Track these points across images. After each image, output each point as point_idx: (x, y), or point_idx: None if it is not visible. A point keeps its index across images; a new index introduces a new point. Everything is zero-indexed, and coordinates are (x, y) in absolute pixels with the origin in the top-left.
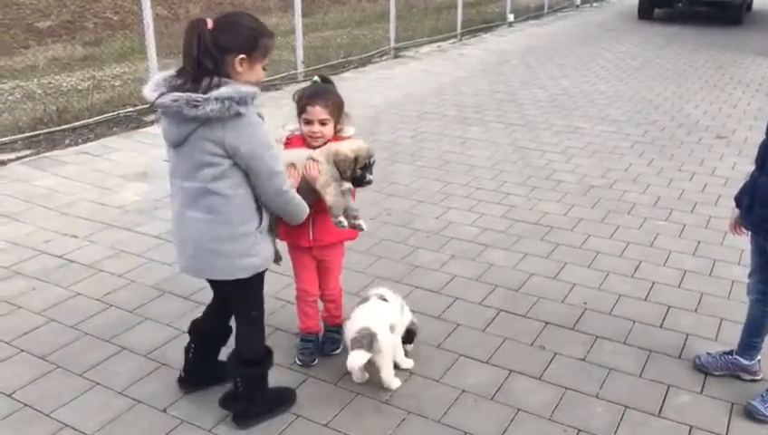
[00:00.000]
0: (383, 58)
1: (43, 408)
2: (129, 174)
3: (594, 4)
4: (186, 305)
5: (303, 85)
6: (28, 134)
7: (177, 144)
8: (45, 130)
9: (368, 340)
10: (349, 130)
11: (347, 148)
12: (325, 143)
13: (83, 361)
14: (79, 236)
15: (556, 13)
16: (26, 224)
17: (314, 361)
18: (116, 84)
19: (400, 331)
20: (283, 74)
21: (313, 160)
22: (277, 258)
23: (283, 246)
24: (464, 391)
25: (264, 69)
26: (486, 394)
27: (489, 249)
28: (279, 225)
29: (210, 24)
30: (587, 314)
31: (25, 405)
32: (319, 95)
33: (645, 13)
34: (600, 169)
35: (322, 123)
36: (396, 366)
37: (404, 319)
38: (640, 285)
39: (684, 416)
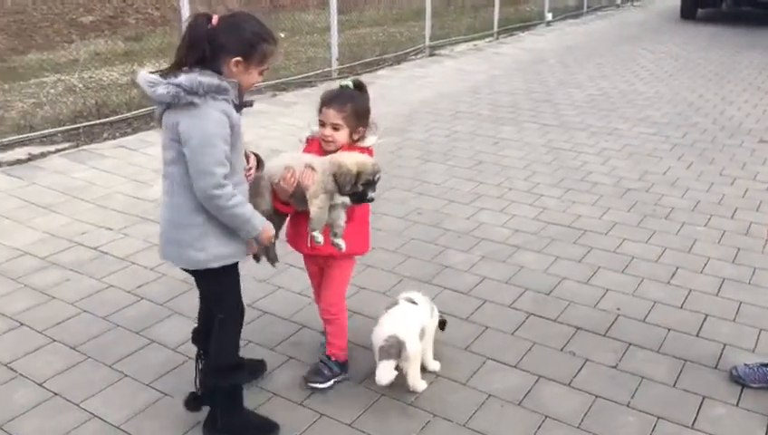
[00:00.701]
0: (418, 56)
1: (73, 398)
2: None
3: (635, 3)
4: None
5: (337, 83)
6: (68, 127)
7: (158, 123)
8: (85, 124)
9: (396, 348)
10: (369, 140)
11: (351, 161)
12: (338, 150)
13: (114, 352)
14: (113, 228)
15: (596, 12)
16: (63, 215)
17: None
18: None
19: (430, 333)
20: (317, 71)
21: (311, 169)
22: (272, 259)
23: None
24: (490, 395)
25: (260, 74)
26: (514, 399)
27: (520, 251)
28: (286, 228)
29: (215, 20)
30: (620, 320)
31: (56, 394)
32: (337, 99)
33: (688, 13)
34: (637, 172)
35: (335, 128)
36: (422, 368)
37: (434, 320)
38: (676, 292)
39: (719, 429)
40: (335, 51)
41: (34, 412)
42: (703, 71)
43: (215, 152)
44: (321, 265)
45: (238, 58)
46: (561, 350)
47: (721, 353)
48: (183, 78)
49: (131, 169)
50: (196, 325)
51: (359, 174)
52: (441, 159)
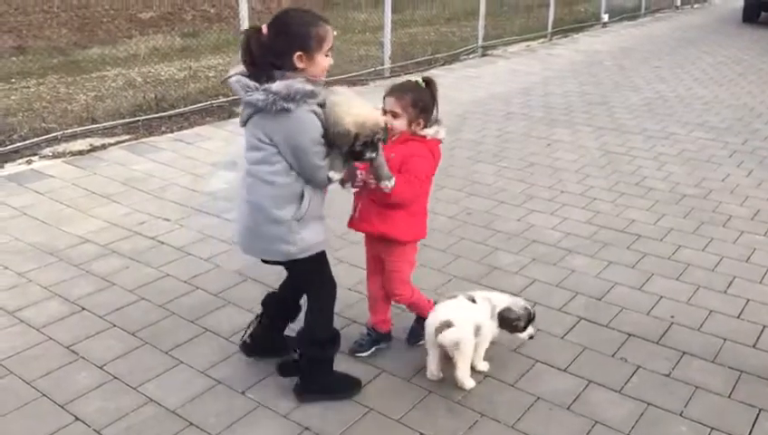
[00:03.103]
0: (470, 56)
1: (131, 381)
2: (219, 162)
3: (695, 6)
4: (267, 292)
5: (390, 82)
6: (128, 120)
7: (242, 124)
8: (144, 117)
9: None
10: (427, 130)
11: (352, 120)
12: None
13: (170, 339)
14: (170, 219)
15: (654, 14)
16: (123, 205)
17: (361, 352)
18: (210, 75)
19: (486, 334)
20: (369, 70)
21: None
22: (352, 179)
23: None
24: (539, 398)
25: (327, 55)
26: (562, 403)
27: (572, 255)
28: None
29: (264, 29)
30: (674, 328)
31: (115, 377)
32: (397, 89)
33: (750, 16)
34: (694, 178)
35: (393, 116)
36: (471, 368)
37: (493, 323)
38: (733, 302)
39: None
40: (388, 50)
41: (95, 394)
42: (765, 76)
43: (317, 150)
44: (376, 251)
45: (299, 53)
46: (613, 356)
47: None
48: (279, 86)
49: (188, 162)
50: (273, 291)
51: (357, 135)
52: (492, 159)
